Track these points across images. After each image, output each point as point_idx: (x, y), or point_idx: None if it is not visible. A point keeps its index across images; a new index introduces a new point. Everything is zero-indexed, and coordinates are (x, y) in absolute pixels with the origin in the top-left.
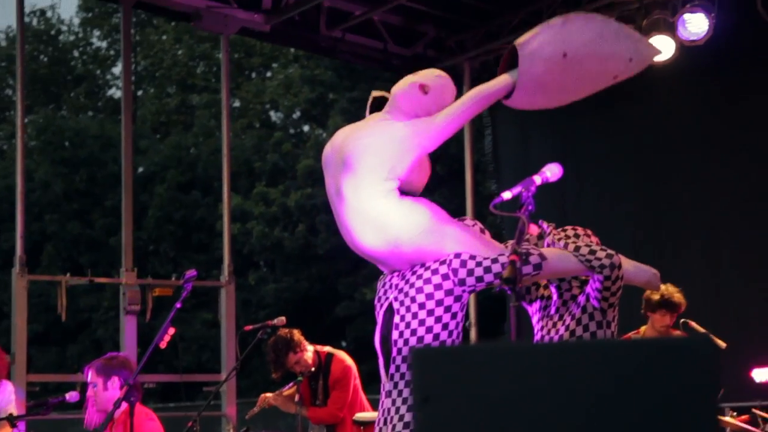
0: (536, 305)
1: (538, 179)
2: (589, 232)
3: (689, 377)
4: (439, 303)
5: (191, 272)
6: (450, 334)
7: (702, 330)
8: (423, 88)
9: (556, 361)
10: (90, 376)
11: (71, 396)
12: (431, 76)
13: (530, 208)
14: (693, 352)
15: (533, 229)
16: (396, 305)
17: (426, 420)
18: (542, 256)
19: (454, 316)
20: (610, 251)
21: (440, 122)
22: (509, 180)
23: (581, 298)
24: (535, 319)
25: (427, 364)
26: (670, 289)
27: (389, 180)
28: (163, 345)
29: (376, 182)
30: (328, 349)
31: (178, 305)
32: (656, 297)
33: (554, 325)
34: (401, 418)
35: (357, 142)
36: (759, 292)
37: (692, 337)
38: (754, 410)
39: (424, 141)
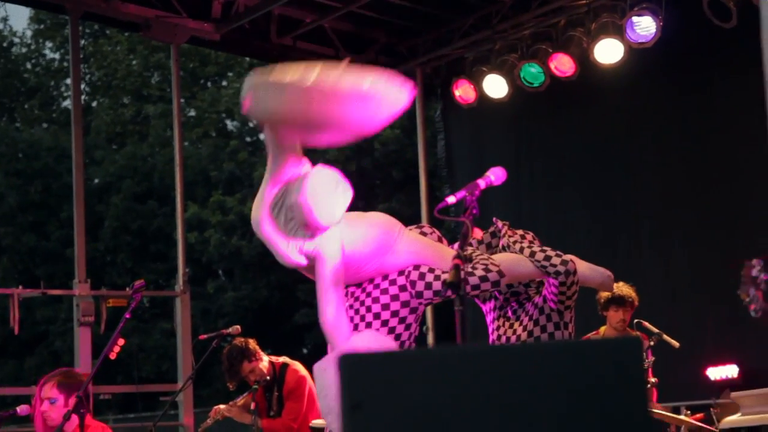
0: (490, 304)
1: (482, 183)
2: (533, 236)
3: (619, 376)
4: (394, 314)
5: (140, 282)
6: (402, 345)
7: (655, 330)
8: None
9: (482, 366)
10: (49, 391)
11: (22, 410)
12: None
13: (474, 212)
14: (617, 352)
15: (477, 233)
16: (350, 313)
17: (354, 427)
18: (500, 274)
19: (408, 327)
20: (565, 257)
21: None
22: (463, 184)
23: (538, 300)
24: (489, 318)
25: (356, 371)
26: (619, 286)
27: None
28: (112, 356)
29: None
30: (283, 359)
31: (128, 315)
32: (606, 295)
33: (511, 326)
34: None
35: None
36: (713, 293)
37: (623, 338)
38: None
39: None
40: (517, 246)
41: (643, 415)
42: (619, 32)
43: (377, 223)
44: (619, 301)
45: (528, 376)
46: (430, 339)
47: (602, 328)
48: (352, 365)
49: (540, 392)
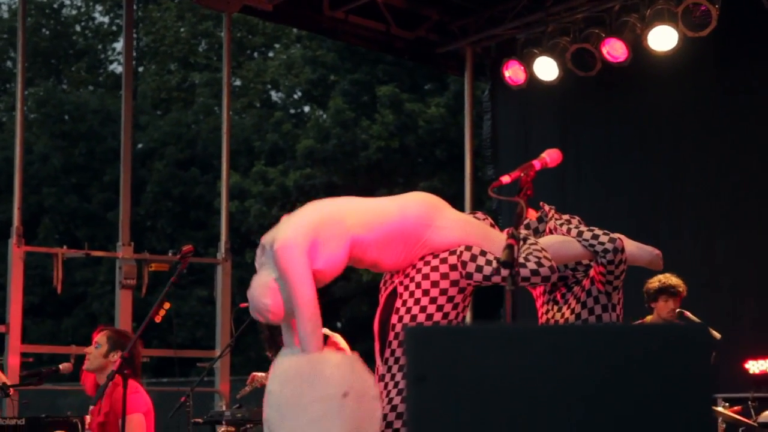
0: (539, 289)
1: (537, 164)
2: (579, 219)
3: (685, 364)
4: (443, 292)
5: (188, 248)
6: (449, 324)
7: (697, 320)
8: None
9: (550, 344)
10: (98, 337)
11: (65, 367)
12: None
13: (529, 192)
14: (689, 339)
15: (531, 214)
16: (400, 289)
17: (419, 399)
18: (552, 269)
19: (455, 306)
20: (612, 235)
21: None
22: (507, 165)
23: (585, 282)
24: (539, 303)
25: (421, 343)
26: (668, 276)
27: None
28: (158, 319)
29: None
30: (324, 331)
31: (174, 280)
32: (655, 285)
33: (559, 309)
34: (390, 401)
35: None
36: (753, 285)
37: (688, 325)
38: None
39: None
40: (564, 228)
41: (705, 407)
42: (674, 20)
43: (413, 200)
44: (670, 291)
45: (590, 356)
46: (469, 317)
47: (648, 317)
48: (418, 338)
49: (602, 374)
